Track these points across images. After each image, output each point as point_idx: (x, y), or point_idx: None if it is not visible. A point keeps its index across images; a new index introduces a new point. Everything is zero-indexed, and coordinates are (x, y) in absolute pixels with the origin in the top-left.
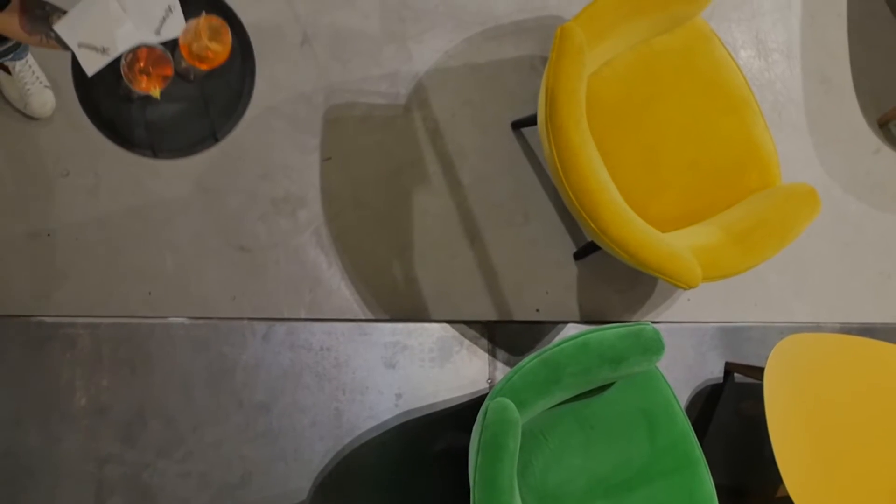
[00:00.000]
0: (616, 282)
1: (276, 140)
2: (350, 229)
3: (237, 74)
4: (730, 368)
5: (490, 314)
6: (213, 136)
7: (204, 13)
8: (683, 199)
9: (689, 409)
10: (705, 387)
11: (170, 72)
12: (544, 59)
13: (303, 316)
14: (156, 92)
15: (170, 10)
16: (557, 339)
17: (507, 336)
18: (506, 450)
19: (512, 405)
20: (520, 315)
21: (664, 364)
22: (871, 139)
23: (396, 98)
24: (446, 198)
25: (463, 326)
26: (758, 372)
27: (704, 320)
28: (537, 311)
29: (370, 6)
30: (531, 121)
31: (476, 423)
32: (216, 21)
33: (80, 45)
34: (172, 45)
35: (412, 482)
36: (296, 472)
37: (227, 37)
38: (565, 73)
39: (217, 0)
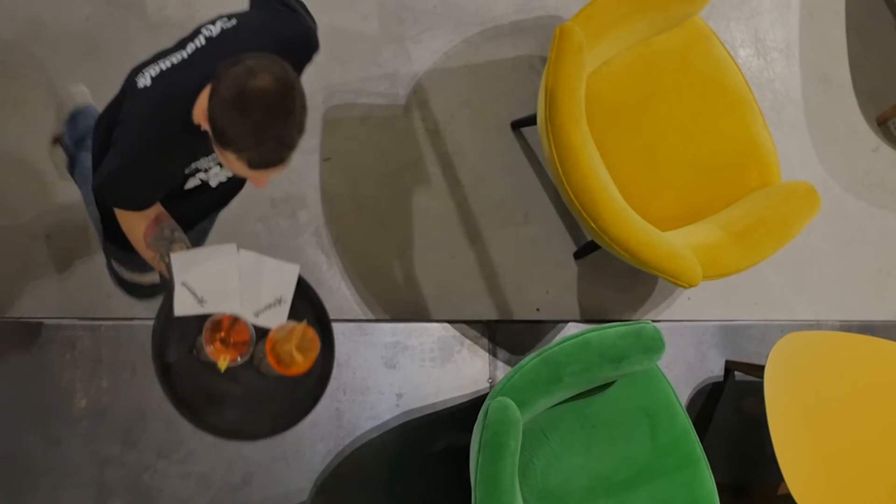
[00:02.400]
0: (616, 281)
1: None
2: (350, 230)
3: (305, 388)
4: (730, 366)
5: (490, 313)
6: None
7: (305, 322)
8: (683, 197)
9: (690, 407)
10: (706, 385)
11: (244, 354)
12: (543, 59)
13: None
14: (222, 364)
15: (279, 302)
16: (558, 338)
17: (507, 335)
18: (507, 449)
19: (513, 404)
20: (520, 314)
21: (665, 362)
22: (870, 137)
23: (396, 99)
24: (446, 198)
25: (463, 326)
26: (758, 370)
27: (705, 319)
28: (538, 310)
29: (369, 7)
30: (531, 120)
31: (477, 422)
32: (311, 335)
33: (184, 284)
34: (262, 332)
35: (413, 482)
36: (297, 473)
37: (314, 354)
38: (565, 73)
39: (323, 319)
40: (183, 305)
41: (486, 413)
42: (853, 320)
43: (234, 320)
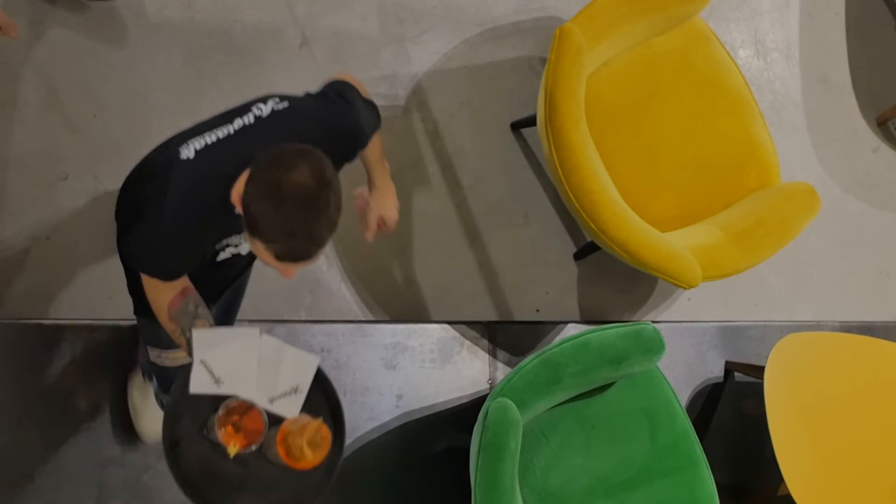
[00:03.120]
0: (616, 282)
1: None
2: (349, 230)
3: (310, 480)
4: (730, 367)
5: (490, 314)
6: None
7: (321, 419)
8: (683, 198)
9: (690, 408)
10: (706, 386)
11: (255, 443)
12: (543, 60)
13: (303, 317)
14: (232, 450)
15: (295, 391)
16: (558, 339)
17: (507, 336)
18: (507, 450)
19: (513, 405)
20: (520, 315)
21: (665, 363)
22: (869, 138)
23: (395, 100)
24: (446, 198)
25: (463, 327)
26: (758, 371)
27: (704, 319)
28: (538, 311)
29: (368, 8)
30: (530, 121)
31: (477, 423)
32: (324, 433)
33: (202, 362)
34: (274, 419)
35: (413, 483)
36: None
37: (324, 452)
38: (564, 74)
39: (337, 413)
40: (199, 383)
41: (486, 414)
42: (853, 321)
43: (249, 407)
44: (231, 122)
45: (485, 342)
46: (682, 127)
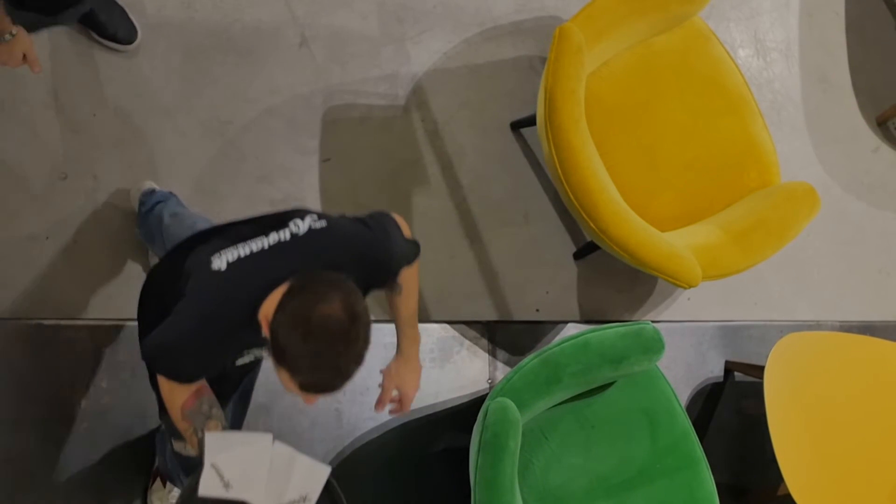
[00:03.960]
0: (616, 281)
1: (275, 142)
2: None
3: None
4: (730, 367)
5: (490, 314)
6: None
7: None
8: (683, 198)
9: (690, 407)
10: (706, 385)
11: None
12: (543, 60)
13: None
14: None
15: (304, 500)
16: (558, 338)
17: (507, 336)
18: (506, 450)
19: (512, 405)
20: (520, 315)
21: (664, 363)
22: (869, 138)
23: (395, 99)
24: (446, 198)
25: (463, 327)
26: (758, 370)
27: (704, 319)
28: (537, 310)
29: (368, 7)
30: (530, 121)
31: (477, 423)
32: None
33: (213, 465)
34: None
35: (412, 482)
36: None
37: None
38: (564, 74)
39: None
40: (208, 486)
41: (486, 414)
42: (853, 321)
43: None
44: (266, 235)
45: (484, 342)
46: (682, 126)
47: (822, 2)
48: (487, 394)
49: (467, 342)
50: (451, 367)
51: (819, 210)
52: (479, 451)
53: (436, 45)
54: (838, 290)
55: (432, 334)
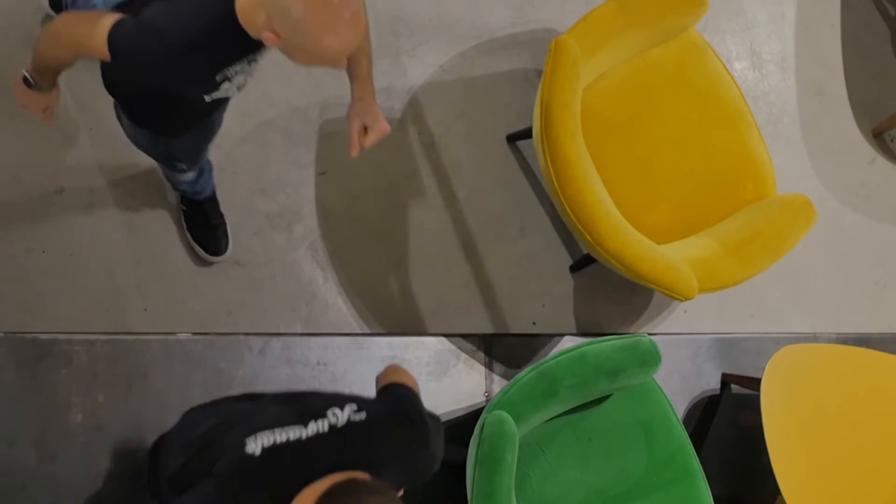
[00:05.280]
0: (612, 294)
1: (271, 155)
2: (345, 243)
3: None
4: (727, 379)
5: (487, 327)
6: None
7: None
8: (679, 210)
9: (687, 420)
10: (702, 398)
11: None
12: (539, 73)
13: (299, 331)
14: None
15: None
16: (554, 351)
17: (503, 349)
18: (503, 463)
19: (509, 418)
20: (516, 328)
21: (661, 376)
22: (865, 150)
23: (391, 112)
24: (442, 211)
25: (459, 340)
26: (755, 383)
27: (701, 332)
28: (534, 323)
29: None
30: (526, 134)
31: (473, 436)
32: None
33: None
34: None
35: (409, 496)
36: None
37: None
38: (560, 86)
39: None
40: None
41: (483, 427)
42: (849, 333)
43: None
44: (305, 424)
45: (481, 355)
46: (678, 139)
47: (818, 14)
48: (484, 407)
49: (464, 355)
50: (448, 381)
51: (815, 222)
52: (475, 464)
53: (431, 57)
54: (835, 302)
55: (429, 347)
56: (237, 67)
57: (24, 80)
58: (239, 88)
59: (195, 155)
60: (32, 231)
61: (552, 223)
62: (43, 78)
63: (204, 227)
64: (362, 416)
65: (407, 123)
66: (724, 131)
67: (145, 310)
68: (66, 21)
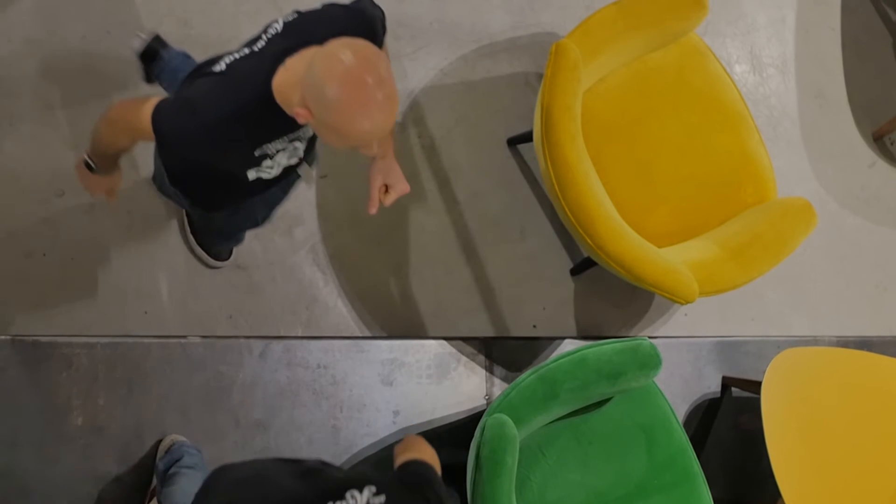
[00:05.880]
0: (613, 297)
1: None
2: (346, 247)
3: None
4: (727, 382)
5: (487, 330)
6: None
7: None
8: (679, 214)
9: (687, 423)
10: (703, 401)
11: None
12: (539, 76)
13: (300, 334)
14: None
15: None
16: (555, 354)
17: (504, 352)
18: (504, 466)
19: (510, 421)
20: (517, 331)
21: (661, 379)
22: (866, 153)
23: None
24: (442, 214)
25: (460, 343)
26: (755, 386)
27: (701, 335)
28: (534, 326)
29: None
30: (527, 137)
31: (474, 439)
32: None
33: None
34: None
35: None
36: None
37: None
38: (561, 90)
39: None
40: None
41: (483, 430)
42: (850, 336)
43: None
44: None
45: (481, 358)
46: (679, 142)
47: (819, 17)
48: (484, 410)
49: (464, 358)
50: (448, 384)
51: (815, 225)
52: (476, 467)
53: (432, 61)
54: (835, 305)
55: (429, 350)
56: (277, 145)
57: (86, 164)
58: (290, 180)
59: (227, 235)
60: (33, 234)
61: (553, 226)
62: (103, 162)
63: (208, 232)
64: (381, 499)
65: (407, 127)
66: (724, 134)
67: (146, 313)
68: (119, 107)
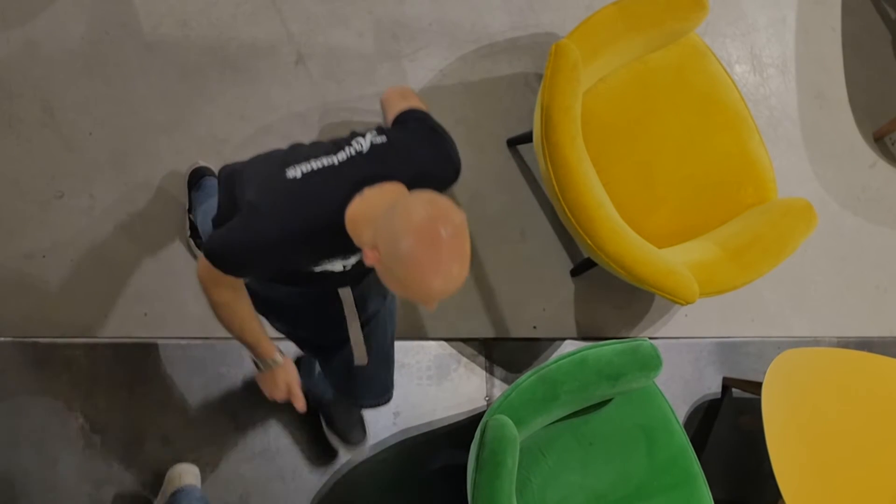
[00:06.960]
0: (613, 298)
1: None
2: None
3: None
4: (727, 383)
5: (487, 331)
6: None
7: None
8: (679, 214)
9: (688, 424)
10: (703, 402)
11: None
12: (539, 77)
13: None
14: None
15: None
16: (555, 355)
17: (504, 353)
18: (504, 467)
19: (510, 422)
20: (517, 332)
21: (662, 380)
22: (866, 153)
23: None
24: None
25: (460, 344)
26: (755, 387)
27: (702, 336)
28: (534, 328)
29: (364, 25)
30: (527, 138)
31: (474, 440)
32: None
33: None
34: None
35: (410, 500)
36: (294, 492)
37: None
38: (560, 91)
39: None
40: None
41: (484, 431)
42: (850, 337)
43: None
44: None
45: (482, 359)
46: (679, 143)
47: (819, 18)
48: (485, 411)
49: (464, 359)
50: (449, 385)
51: (816, 226)
52: (476, 468)
53: (432, 62)
54: (836, 306)
55: (429, 352)
56: (337, 262)
57: (255, 364)
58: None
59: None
60: (33, 236)
61: (553, 227)
62: (256, 354)
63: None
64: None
65: None
66: (724, 135)
67: (146, 314)
68: (202, 278)
